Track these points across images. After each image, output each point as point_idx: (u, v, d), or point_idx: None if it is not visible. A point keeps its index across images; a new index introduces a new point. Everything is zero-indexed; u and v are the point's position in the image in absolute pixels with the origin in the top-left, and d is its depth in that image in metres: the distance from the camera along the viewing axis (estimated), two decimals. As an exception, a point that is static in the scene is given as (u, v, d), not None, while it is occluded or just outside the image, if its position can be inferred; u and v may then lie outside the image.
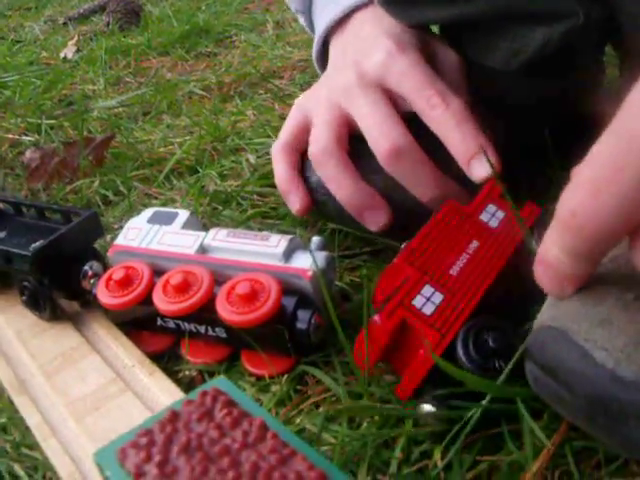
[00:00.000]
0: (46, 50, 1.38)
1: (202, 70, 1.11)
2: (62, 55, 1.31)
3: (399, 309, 0.37)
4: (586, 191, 0.27)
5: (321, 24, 0.59)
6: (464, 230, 0.41)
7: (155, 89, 1.00)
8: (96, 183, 0.72)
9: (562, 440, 0.34)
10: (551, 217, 0.30)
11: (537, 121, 0.55)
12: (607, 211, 0.26)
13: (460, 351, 0.36)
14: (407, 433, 0.36)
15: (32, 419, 0.42)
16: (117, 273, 0.46)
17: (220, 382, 0.30)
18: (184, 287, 0.43)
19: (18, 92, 1.06)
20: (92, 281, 0.49)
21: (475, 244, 0.41)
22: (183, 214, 0.49)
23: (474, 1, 0.50)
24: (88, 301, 0.50)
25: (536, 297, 0.34)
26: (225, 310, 0.41)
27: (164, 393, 0.41)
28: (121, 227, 0.51)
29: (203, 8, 1.52)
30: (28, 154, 0.77)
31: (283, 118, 0.82)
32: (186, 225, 0.49)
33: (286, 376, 0.42)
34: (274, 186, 0.64)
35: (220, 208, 0.63)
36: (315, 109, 0.53)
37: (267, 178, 0.66)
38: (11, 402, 0.44)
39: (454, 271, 0.39)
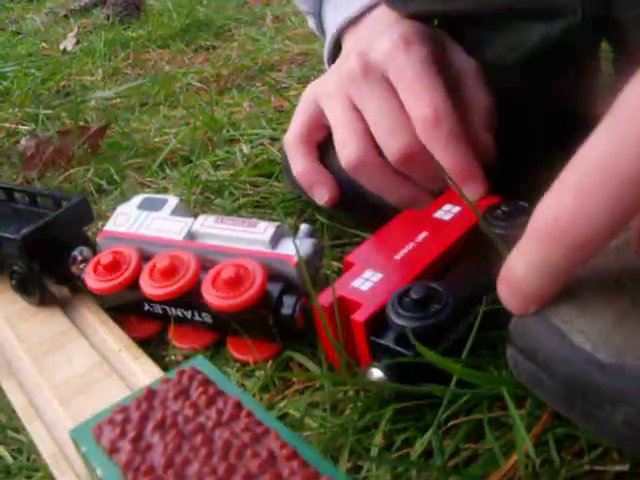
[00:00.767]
0: (46, 42, 1.38)
1: (201, 63, 1.11)
2: (62, 47, 1.32)
3: (338, 290, 0.38)
4: (572, 194, 0.25)
5: (333, 24, 0.58)
6: (415, 226, 0.43)
7: (153, 81, 1.01)
8: (90, 172, 0.72)
9: (544, 429, 0.34)
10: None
11: (532, 116, 0.55)
12: (595, 215, 0.25)
13: (388, 309, 0.36)
14: (388, 421, 0.36)
15: (18, 402, 0.42)
16: (105, 258, 0.46)
17: (198, 362, 0.30)
18: (171, 271, 0.43)
19: (16, 82, 1.06)
20: (81, 266, 0.49)
21: (424, 234, 0.42)
22: (172, 200, 0.50)
23: None
24: (77, 286, 0.50)
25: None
26: (210, 295, 0.41)
27: (149, 377, 0.41)
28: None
29: (204, 2, 1.52)
30: (23, 142, 0.77)
31: (279, 110, 0.82)
32: (175, 211, 0.49)
33: (271, 362, 0.42)
34: (267, 176, 0.64)
35: (212, 197, 0.63)
36: (325, 100, 0.52)
37: (260, 168, 0.66)
38: (-1, 385, 0.44)
39: (398, 256, 0.40)
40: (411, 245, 0.41)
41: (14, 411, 0.42)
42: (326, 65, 0.61)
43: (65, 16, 1.63)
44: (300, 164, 0.53)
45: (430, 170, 0.47)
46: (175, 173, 0.69)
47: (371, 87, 0.49)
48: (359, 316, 0.37)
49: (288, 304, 0.42)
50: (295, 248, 0.41)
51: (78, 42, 1.34)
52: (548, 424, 0.35)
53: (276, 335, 0.42)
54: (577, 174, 0.25)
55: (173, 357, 0.44)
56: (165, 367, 0.43)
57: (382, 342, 0.36)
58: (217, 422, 0.26)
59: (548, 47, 0.52)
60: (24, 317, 0.49)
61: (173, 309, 0.45)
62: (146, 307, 0.46)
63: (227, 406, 0.26)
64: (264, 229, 0.44)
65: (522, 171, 0.54)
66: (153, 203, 0.50)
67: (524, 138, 0.54)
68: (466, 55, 0.52)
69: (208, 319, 0.44)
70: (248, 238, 0.44)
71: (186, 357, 0.44)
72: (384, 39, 0.49)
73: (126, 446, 0.25)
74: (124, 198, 0.65)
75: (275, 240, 0.44)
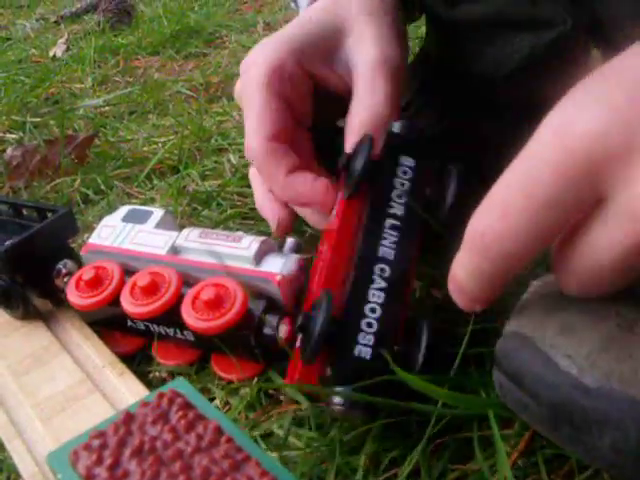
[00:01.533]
0: (36, 48, 1.37)
1: (190, 70, 1.11)
2: (52, 53, 1.31)
3: None
4: (496, 213, 0.27)
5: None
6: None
7: (142, 88, 1.00)
8: (77, 181, 0.71)
9: (530, 448, 0.34)
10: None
11: (522, 125, 0.55)
12: (515, 233, 0.26)
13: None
14: (375, 441, 0.36)
15: (-2, 420, 0.41)
16: (87, 273, 0.45)
17: (179, 384, 0.29)
18: (151, 289, 0.42)
19: (4, 90, 1.05)
20: (65, 279, 0.48)
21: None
22: (157, 213, 0.49)
23: (467, 7, 0.50)
24: (61, 300, 0.49)
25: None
26: (190, 317, 0.40)
27: (133, 394, 0.41)
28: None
29: (195, 8, 1.52)
30: (9, 151, 0.76)
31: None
32: (160, 224, 0.48)
33: (256, 380, 0.42)
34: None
35: (200, 208, 0.62)
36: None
37: (248, 179, 0.65)
38: (-22, 402, 0.43)
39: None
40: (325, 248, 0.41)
41: (-6, 429, 0.41)
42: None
43: (56, 22, 1.63)
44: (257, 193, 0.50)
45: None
46: (163, 183, 0.69)
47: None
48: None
49: (270, 324, 0.41)
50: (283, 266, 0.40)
51: (68, 48, 1.33)
52: (536, 444, 0.34)
53: (259, 355, 0.41)
54: (502, 194, 0.27)
55: (157, 374, 0.44)
56: (149, 383, 0.43)
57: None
58: (196, 448, 0.25)
59: (537, 58, 0.51)
60: (6, 331, 0.49)
61: (155, 326, 0.44)
62: (129, 323, 0.45)
63: (207, 431, 0.25)
64: (248, 244, 0.43)
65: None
66: (138, 215, 0.49)
67: (515, 150, 0.54)
68: (370, 45, 0.45)
69: (190, 337, 0.43)
70: (232, 254, 0.43)
71: (171, 373, 0.44)
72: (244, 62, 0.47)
73: (103, 473, 0.24)
74: (110, 209, 0.64)
75: (259, 256, 0.43)
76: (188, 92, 0.97)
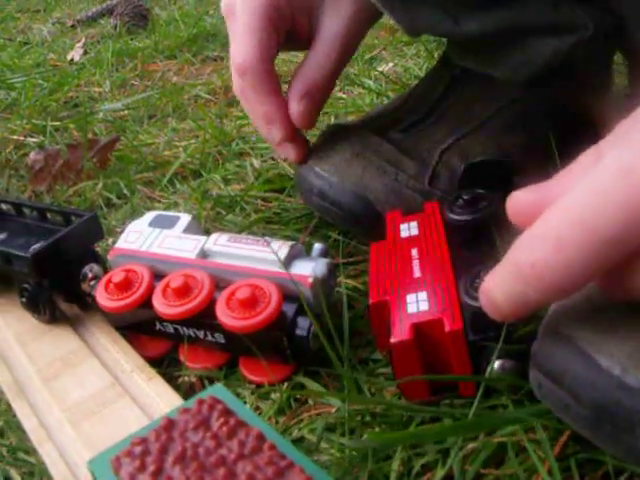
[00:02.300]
0: (53, 52, 1.38)
1: (208, 74, 1.11)
2: (69, 57, 1.32)
3: (405, 321, 0.37)
4: (549, 245, 0.26)
5: None
6: (399, 250, 0.43)
7: (161, 92, 1.00)
8: (99, 186, 0.72)
9: (564, 453, 0.34)
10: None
11: (544, 129, 0.54)
12: (571, 267, 0.26)
13: (463, 297, 0.36)
14: (407, 445, 0.36)
15: (29, 423, 0.41)
16: (117, 276, 0.45)
17: (218, 390, 0.29)
18: (184, 291, 0.42)
19: (24, 94, 1.05)
20: (92, 283, 0.48)
21: (415, 250, 0.42)
22: (184, 218, 0.49)
23: (488, 16, 0.50)
24: (88, 304, 0.50)
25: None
26: (225, 315, 0.41)
27: (162, 399, 0.41)
28: (123, 230, 0.50)
29: (211, 12, 1.52)
30: (32, 156, 0.77)
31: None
32: (187, 229, 0.48)
33: (286, 384, 0.42)
34: (278, 191, 0.64)
35: (223, 213, 0.62)
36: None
37: (271, 183, 0.66)
38: (9, 406, 0.44)
39: (419, 274, 0.40)
40: (417, 261, 0.41)
41: (24, 432, 0.41)
42: None
43: (72, 26, 1.64)
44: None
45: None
46: (185, 187, 0.69)
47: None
48: (454, 325, 0.35)
49: (302, 325, 0.41)
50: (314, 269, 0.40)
51: (85, 52, 1.34)
52: (569, 450, 0.34)
53: (289, 356, 0.42)
54: (558, 222, 0.26)
55: (187, 378, 0.44)
56: (177, 387, 0.43)
57: (490, 335, 0.35)
58: (239, 454, 0.25)
59: (559, 62, 0.51)
60: (34, 335, 0.49)
61: (185, 329, 0.44)
62: (157, 326, 0.45)
63: (249, 438, 0.25)
64: (278, 248, 0.43)
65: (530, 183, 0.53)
66: (165, 220, 0.49)
67: (535, 153, 0.54)
68: (337, 21, 0.53)
69: (221, 339, 0.43)
70: (262, 257, 0.43)
71: (199, 377, 0.44)
72: None
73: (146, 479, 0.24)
74: (134, 213, 0.64)
75: (289, 260, 0.43)
76: (207, 96, 0.97)
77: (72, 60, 1.30)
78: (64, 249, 0.48)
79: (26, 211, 0.56)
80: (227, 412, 0.27)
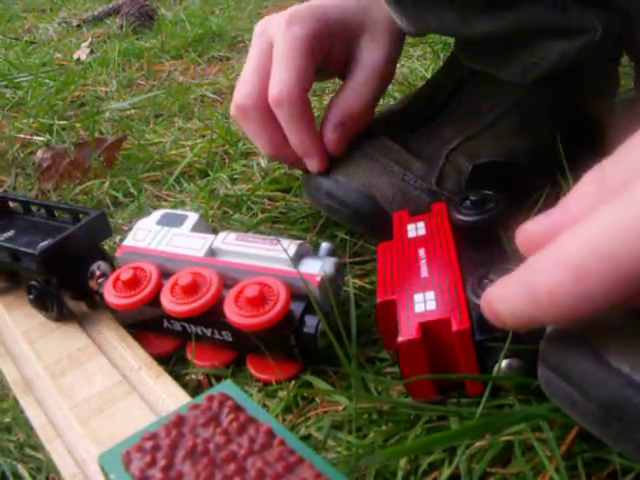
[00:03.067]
0: (60, 52, 1.39)
1: (214, 74, 1.11)
2: (75, 57, 1.32)
3: (412, 321, 0.37)
4: (570, 275, 0.25)
5: None
6: (406, 250, 0.43)
7: (167, 92, 1.01)
8: (106, 184, 0.72)
9: (571, 452, 0.34)
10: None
11: (550, 131, 0.55)
12: (591, 298, 0.25)
13: (471, 297, 0.36)
14: (414, 444, 0.36)
15: (37, 420, 0.42)
16: (125, 273, 0.45)
17: (227, 387, 0.30)
18: (192, 288, 0.42)
19: (31, 93, 1.06)
20: (100, 281, 0.48)
21: (422, 250, 0.42)
22: (192, 217, 0.49)
23: (496, 17, 0.50)
24: (95, 302, 0.50)
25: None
26: (233, 313, 0.41)
27: (170, 396, 0.41)
28: (130, 229, 0.51)
29: (217, 12, 1.53)
30: (39, 154, 0.77)
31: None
32: (195, 228, 0.48)
33: (293, 382, 0.42)
34: (285, 191, 0.64)
35: (230, 212, 0.62)
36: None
37: (278, 183, 0.66)
38: (16, 402, 0.44)
39: (426, 273, 0.40)
40: (423, 261, 0.41)
41: (32, 428, 0.41)
42: None
43: (78, 26, 1.64)
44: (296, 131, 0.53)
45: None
46: (192, 187, 0.69)
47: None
48: (461, 324, 0.35)
49: (310, 324, 0.41)
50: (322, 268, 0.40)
51: (92, 52, 1.34)
52: (576, 448, 0.34)
53: (297, 355, 0.42)
54: (579, 251, 0.25)
55: (194, 376, 0.44)
56: (185, 385, 0.43)
57: (497, 335, 0.35)
58: (249, 450, 0.25)
59: (567, 64, 0.51)
60: (42, 332, 0.49)
61: (193, 326, 0.44)
62: (165, 324, 0.45)
63: (259, 434, 0.26)
64: (286, 247, 0.43)
65: (536, 185, 0.54)
66: (173, 219, 0.49)
67: (542, 154, 0.54)
68: (377, 51, 0.54)
69: (228, 337, 0.43)
70: (270, 256, 0.44)
71: (206, 375, 0.44)
72: (281, 14, 0.53)
73: (157, 475, 0.24)
74: (141, 212, 0.64)
75: (297, 258, 0.43)
76: (213, 96, 0.98)
77: (78, 59, 1.30)
78: (72, 247, 0.48)
79: (34, 209, 0.56)
80: (237, 408, 0.27)
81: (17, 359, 0.47)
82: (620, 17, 0.51)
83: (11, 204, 0.57)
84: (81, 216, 0.51)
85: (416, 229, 0.45)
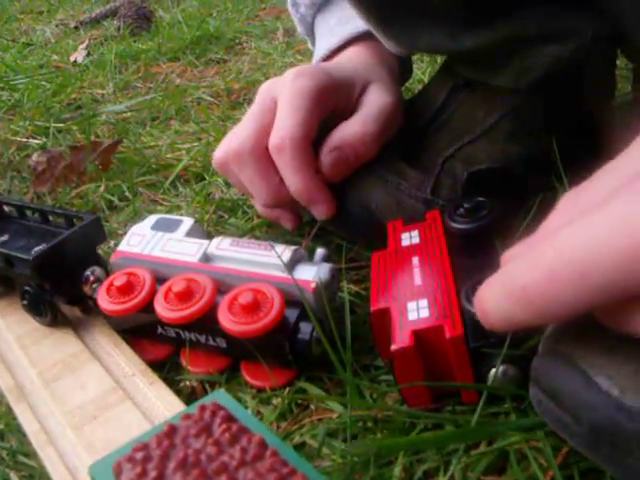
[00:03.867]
0: (56, 54, 1.38)
1: (211, 76, 1.11)
2: (72, 59, 1.32)
3: (405, 328, 0.37)
4: (542, 273, 0.26)
5: (317, 54, 0.62)
6: (400, 258, 0.43)
7: (164, 94, 1.00)
8: (102, 188, 0.72)
9: (566, 461, 0.34)
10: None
11: (546, 136, 0.54)
12: (561, 297, 0.25)
13: (464, 304, 0.36)
14: (408, 451, 0.36)
15: (30, 426, 0.41)
16: (119, 279, 0.45)
17: (220, 396, 0.29)
18: (186, 295, 0.42)
19: (27, 95, 1.06)
20: (94, 286, 0.48)
21: (416, 258, 0.42)
22: (187, 222, 0.49)
23: (484, 30, 0.50)
24: (89, 307, 0.49)
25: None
26: (226, 320, 0.41)
27: (164, 403, 0.41)
28: (125, 233, 0.50)
29: (214, 14, 1.52)
30: (35, 157, 0.77)
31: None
32: (190, 233, 0.48)
33: (288, 389, 0.42)
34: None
35: (226, 216, 0.62)
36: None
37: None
38: (9, 408, 0.43)
39: (419, 281, 0.40)
40: (418, 269, 0.41)
41: (25, 435, 0.41)
42: None
43: (75, 28, 1.64)
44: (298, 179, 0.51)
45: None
46: (188, 190, 0.69)
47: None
48: (454, 331, 0.35)
49: (305, 330, 0.41)
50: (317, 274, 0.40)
51: (89, 54, 1.34)
52: (571, 459, 0.34)
53: (291, 361, 0.41)
54: (552, 257, 0.26)
55: (188, 382, 0.44)
56: (179, 392, 0.43)
57: (492, 341, 0.35)
58: (241, 461, 0.25)
59: (560, 69, 0.51)
60: (35, 338, 0.49)
61: (187, 333, 0.44)
62: (159, 330, 0.45)
63: (251, 444, 0.25)
64: (281, 253, 0.43)
65: (533, 189, 0.53)
66: (167, 224, 0.49)
67: (538, 160, 0.53)
68: (386, 95, 0.54)
69: (223, 344, 0.43)
70: (264, 262, 0.43)
71: (200, 381, 0.44)
72: (287, 73, 0.53)
73: (147, 486, 0.24)
74: (136, 216, 0.64)
75: (291, 264, 0.43)
76: (210, 98, 0.97)
77: (75, 62, 1.30)
78: (66, 252, 0.48)
79: (28, 213, 0.56)
80: (229, 418, 0.27)
81: (10, 365, 0.47)
82: (610, 19, 0.51)
83: (5, 208, 0.57)
84: (75, 221, 0.51)
85: (410, 238, 0.44)
